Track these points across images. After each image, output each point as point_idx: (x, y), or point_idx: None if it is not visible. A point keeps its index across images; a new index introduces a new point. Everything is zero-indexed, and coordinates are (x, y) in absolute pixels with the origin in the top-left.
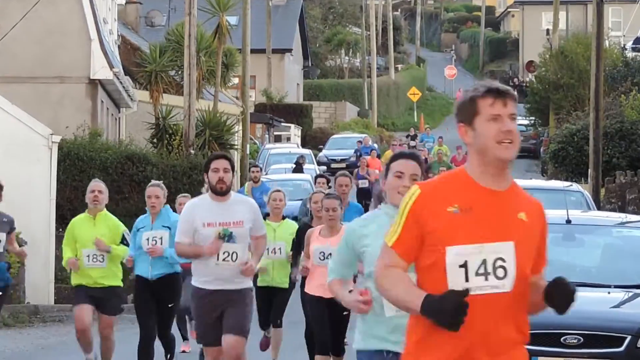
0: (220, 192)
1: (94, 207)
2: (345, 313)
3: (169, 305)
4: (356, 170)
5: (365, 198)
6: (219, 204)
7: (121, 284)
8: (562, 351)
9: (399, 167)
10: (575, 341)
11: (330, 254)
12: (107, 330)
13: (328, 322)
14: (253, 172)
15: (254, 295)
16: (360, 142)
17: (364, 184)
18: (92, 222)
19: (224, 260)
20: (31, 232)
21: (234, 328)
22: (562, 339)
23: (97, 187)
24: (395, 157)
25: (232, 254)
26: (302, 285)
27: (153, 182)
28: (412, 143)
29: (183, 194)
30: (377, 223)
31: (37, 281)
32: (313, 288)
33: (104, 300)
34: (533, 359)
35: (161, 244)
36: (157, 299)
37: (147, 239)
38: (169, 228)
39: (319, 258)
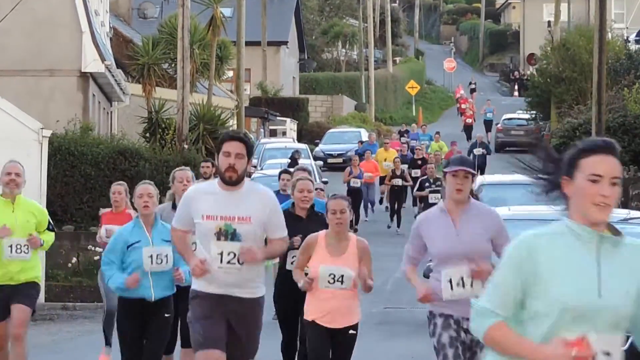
0: (229, 181)
1: (10, 192)
2: (352, 332)
3: (166, 315)
4: (348, 168)
5: (355, 199)
6: (227, 193)
7: (40, 279)
8: None
9: (594, 166)
10: None
11: (342, 275)
12: (19, 330)
13: (330, 353)
14: (202, 167)
15: (263, 304)
16: (361, 142)
17: (355, 183)
18: (10, 207)
19: (228, 262)
20: None
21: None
22: None
23: (15, 169)
24: (586, 151)
25: (238, 255)
26: (276, 290)
27: (144, 181)
28: (403, 140)
29: (181, 167)
30: (560, 245)
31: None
32: (317, 315)
33: (19, 291)
34: None
35: (166, 262)
36: (150, 317)
37: (151, 257)
38: (170, 242)
39: (329, 282)
